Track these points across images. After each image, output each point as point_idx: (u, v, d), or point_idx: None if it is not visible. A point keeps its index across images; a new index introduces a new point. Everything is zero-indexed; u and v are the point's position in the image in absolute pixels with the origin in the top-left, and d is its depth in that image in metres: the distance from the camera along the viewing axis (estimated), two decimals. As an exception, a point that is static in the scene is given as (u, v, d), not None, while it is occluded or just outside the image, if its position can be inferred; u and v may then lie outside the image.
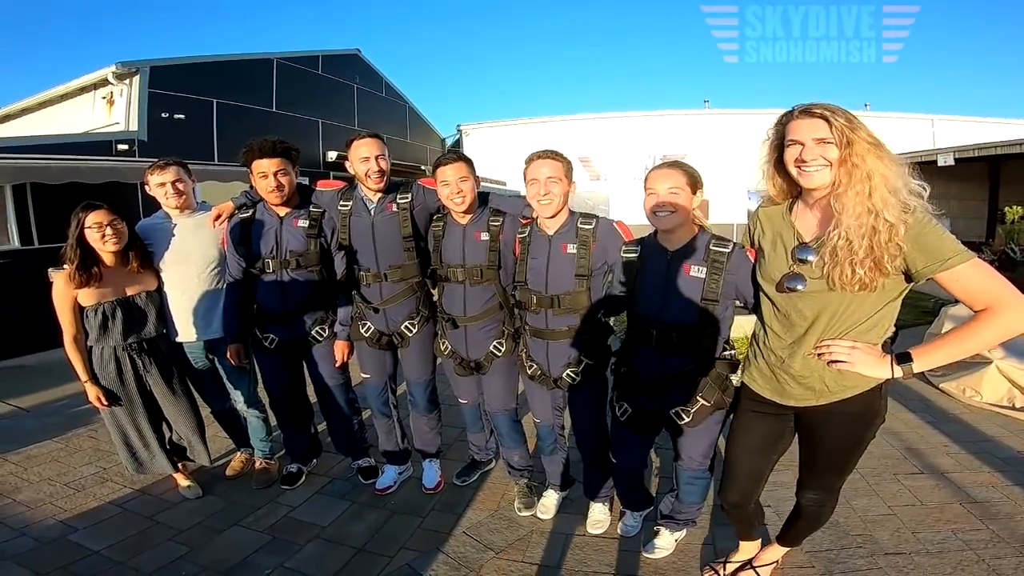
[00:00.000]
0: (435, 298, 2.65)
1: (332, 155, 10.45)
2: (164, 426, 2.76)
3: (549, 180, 2.11)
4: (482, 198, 2.46)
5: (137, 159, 6.87)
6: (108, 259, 2.48)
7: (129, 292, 2.53)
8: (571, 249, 2.17)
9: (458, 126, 16.48)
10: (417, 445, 2.89)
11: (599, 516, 2.53)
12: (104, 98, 7.62)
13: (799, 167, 1.48)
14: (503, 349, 2.47)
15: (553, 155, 2.16)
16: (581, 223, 2.19)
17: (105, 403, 2.52)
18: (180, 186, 2.65)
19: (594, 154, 16.30)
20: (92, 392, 2.49)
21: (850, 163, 1.41)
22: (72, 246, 2.38)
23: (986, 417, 3.63)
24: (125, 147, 6.99)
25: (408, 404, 2.84)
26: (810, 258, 1.52)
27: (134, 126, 7.28)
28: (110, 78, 7.20)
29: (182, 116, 7.79)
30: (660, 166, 1.91)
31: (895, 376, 1.50)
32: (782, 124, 1.53)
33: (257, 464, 3.00)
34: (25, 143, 6.41)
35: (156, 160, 2.68)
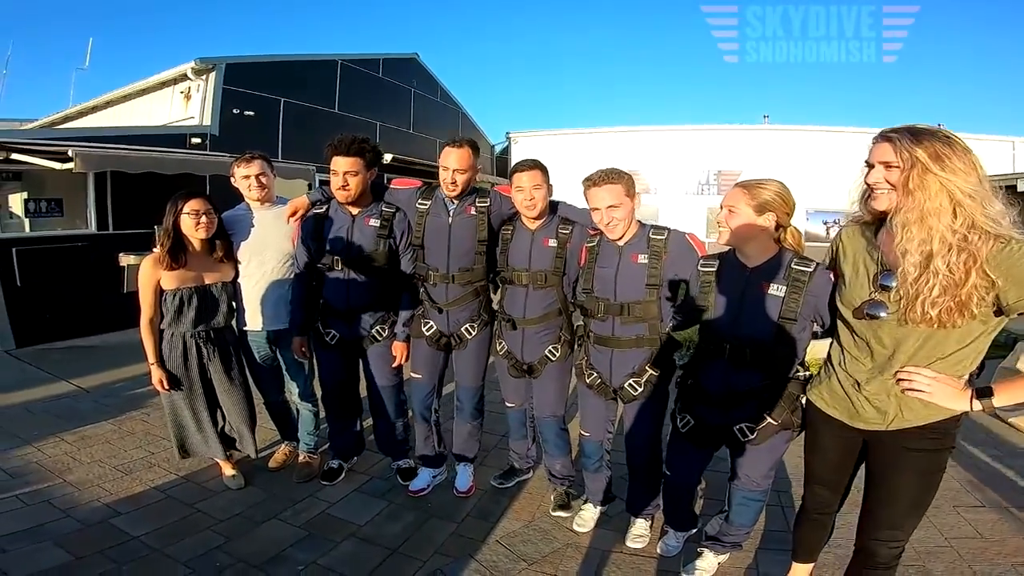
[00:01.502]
0: (495, 301, 2.68)
1: (388, 157, 10.62)
2: (219, 415, 2.82)
3: (610, 208, 2.13)
4: (552, 206, 2.50)
5: (208, 153, 7.17)
6: (196, 246, 2.58)
7: (208, 280, 2.62)
8: (642, 259, 2.18)
9: (507, 133, 16.53)
10: (455, 449, 2.88)
11: (641, 531, 2.47)
12: (182, 93, 8.00)
13: (870, 190, 1.50)
14: (558, 354, 2.50)
15: (610, 178, 2.14)
16: (653, 234, 2.20)
17: (167, 387, 2.59)
18: (263, 179, 2.75)
19: (644, 167, 15.96)
20: (156, 374, 2.57)
21: (910, 187, 1.37)
22: (167, 230, 2.49)
23: None
24: (198, 141, 7.31)
25: (454, 409, 2.84)
26: (893, 284, 1.48)
27: (207, 121, 7.60)
28: (189, 73, 7.55)
29: (251, 113, 8.08)
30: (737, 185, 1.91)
31: (973, 410, 1.47)
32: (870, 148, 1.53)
33: (300, 458, 3.03)
34: (108, 133, 6.78)
35: (242, 153, 2.77)
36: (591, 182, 2.16)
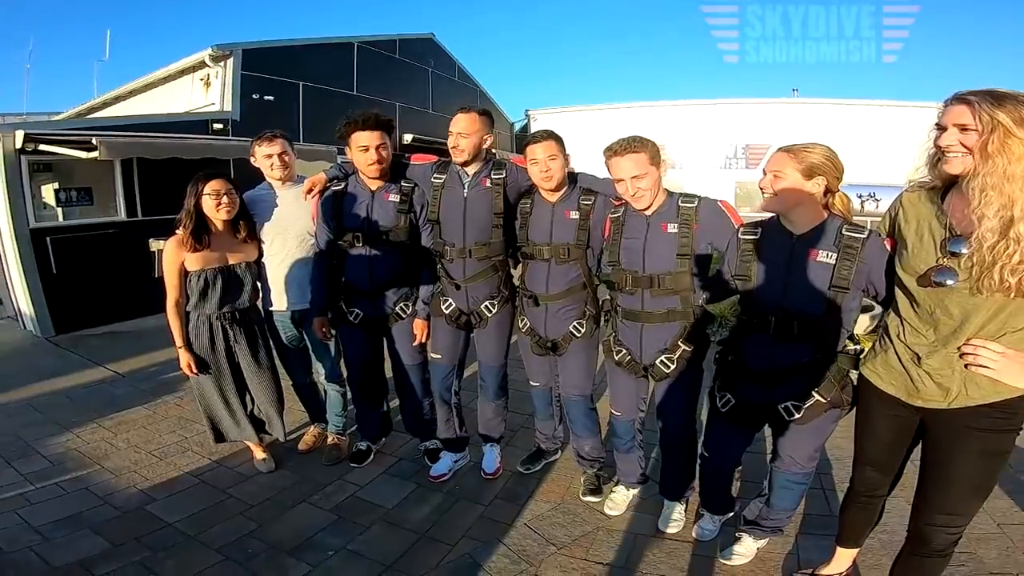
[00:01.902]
0: (516, 277, 2.61)
1: (408, 138, 10.57)
2: (248, 397, 2.84)
3: (635, 179, 2.02)
4: (571, 177, 2.41)
5: (230, 138, 7.21)
6: (219, 226, 2.57)
7: (231, 261, 2.61)
8: (671, 228, 2.09)
9: (526, 111, 16.28)
10: (480, 430, 2.86)
11: (675, 515, 2.41)
12: (202, 80, 8.02)
13: (941, 153, 1.42)
14: (583, 330, 2.42)
15: (633, 146, 2.03)
16: (682, 202, 2.10)
17: (195, 370, 2.60)
18: (286, 158, 2.74)
19: (669, 142, 15.60)
20: (184, 358, 2.58)
21: (989, 150, 1.29)
22: (188, 212, 2.48)
23: None
24: (220, 126, 7.34)
25: (477, 388, 2.81)
26: (964, 251, 1.40)
27: (228, 107, 7.62)
28: (207, 60, 7.55)
29: (271, 98, 8.08)
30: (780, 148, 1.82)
31: None
32: (941, 110, 1.45)
33: (329, 439, 3.05)
34: (132, 121, 6.86)
35: (263, 132, 2.75)
36: (612, 152, 2.06)
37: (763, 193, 1.82)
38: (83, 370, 4.57)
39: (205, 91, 8.02)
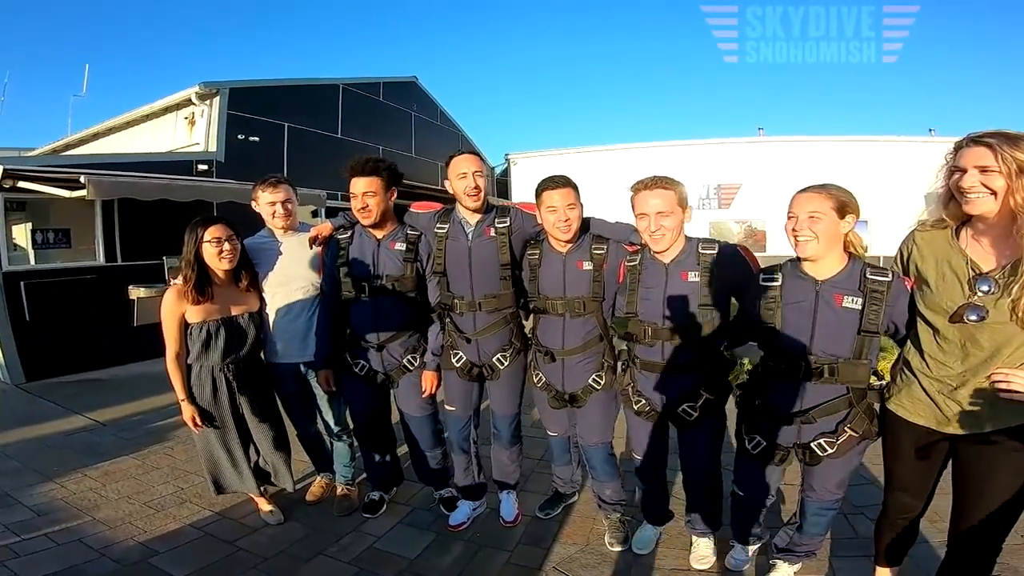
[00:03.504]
0: (527, 328, 2.55)
1: (390, 181, 10.63)
2: (252, 449, 2.72)
3: (659, 215, 2.00)
4: (583, 223, 2.34)
5: (219, 180, 7.13)
6: (220, 276, 2.47)
7: (234, 312, 2.51)
8: (692, 277, 2.05)
9: (506, 155, 16.57)
10: (496, 476, 2.78)
11: (704, 551, 2.37)
12: (186, 118, 7.97)
13: (961, 194, 1.49)
14: (603, 382, 2.36)
15: (663, 183, 2.03)
16: (703, 248, 2.07)
17: (199, 423, 2.48)
18: (289, 206, 2.67)
19: (644, 184, 16.06)
20: (188, 411, 2.46)
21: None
22: (189, 261, 2.37)
23: None
24: (204, 167, 7.27)
25: (491, 436, 2.73)
26: (990, 289, 1.49)
27: (213, 147, 7.57)
28: (193, 98, 7.53)
29: (256, 138, 8.06)
30: (805, 189, 1.83)
31: None
32: (954, 152, 1.54)
33: (338, 490, 2.93)
34: (114, 160, 6.74)
35: (267, 176, 2.68)
36: (642, 185, 2.04)
37: (796, 236, 1.79)
38: (59, 418, 4.37)
39: (189, 130, 7.96)
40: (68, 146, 10.67)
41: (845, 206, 1.74)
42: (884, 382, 1.86)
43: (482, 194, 2.38)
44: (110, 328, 6.07)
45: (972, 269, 1.54)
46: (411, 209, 2.64)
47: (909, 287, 1.71)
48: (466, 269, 2.42)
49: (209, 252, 2.37)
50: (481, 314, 2.44)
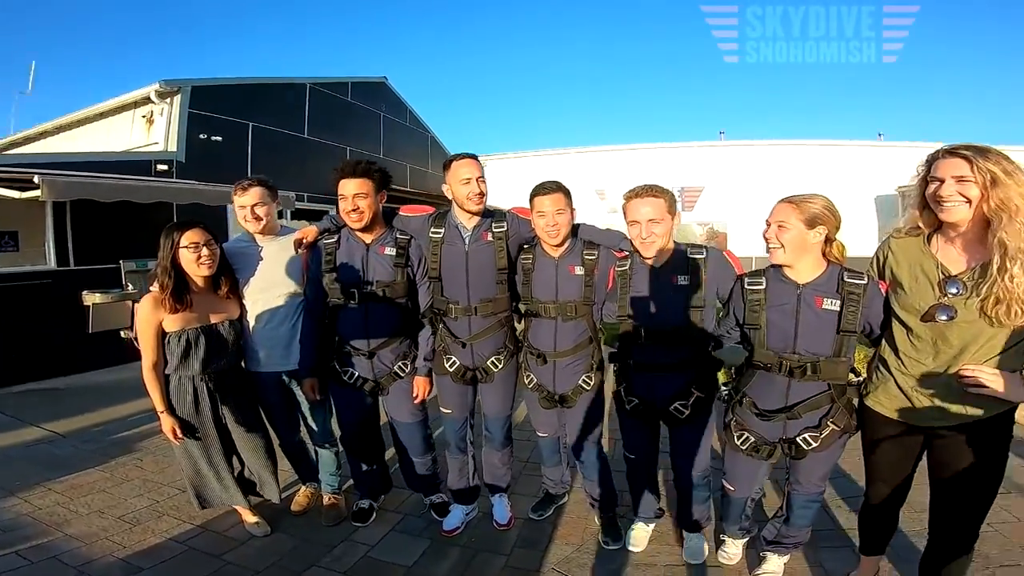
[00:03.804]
0: (519, 331, 2.56)
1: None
2: (235, 460, 2.63)
3: (651, 222, 2.08)
4: (572, 229, 2.38)
5: (182, 180, 6.88)
6: (199, 283, 2.37)
7: (214, 319, 2.41)
8: (681, 281, 2.14)
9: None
10: (487, 480, 2.77)
11: (697, 545, 2.44)
12: (144, 116, 7.65)
13: (937, 203, 1.60)
14: (592, 383, 2.42)
15: (654, 191, 2.12)
16: (691, 254, 2.16)
17: (180, 435, 2.38)
18: (259, 211, 2.54)
19: (610, 187, 16.32)
20: (167, 423, 2.36)
21: (1000, 202, 1.49)
22: (165, 268, 2.27)
23: None
24: (164, 167, 6.99)
25: (483, 439, 2.72)
26: (959, 291, 1.61)
27: (173, 146, 7.29)
28: (153, 96, 7.23)
29: (219, 138, 7.80)
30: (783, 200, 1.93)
31: None
32: (929, 163, 1.65)
33: (325, 500, 2.85)
34: (67, 159, 6.42)
35: (241, 180, 2.56)
36: (633, 194, 2.13)
37: (768, 243, 1.91)
38: (14, 430, 4.13)
39: (147, 129, 7.65)
40: (13, 144, 10.11)
41: (815, 219, 1.83)
42: (862, 378, 1.97)
43: (485, 199, 2.39)
44: (63, 335, 5.77)
45: (942, 272, 1.65)
46: (400, 213, 2.60)
47: (884, 290, 1.83)
48: (463, 274, 2.41)
49: (186, 258, 2.27)
50: (477, 318, 2.43)
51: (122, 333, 6.07)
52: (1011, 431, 1.69)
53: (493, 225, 2.43)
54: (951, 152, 1.57)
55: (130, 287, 6.45)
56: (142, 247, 6.68)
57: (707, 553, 2.42)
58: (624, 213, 2.16)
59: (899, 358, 1.76)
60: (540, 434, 2.65)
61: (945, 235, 1.68)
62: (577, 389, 2.41)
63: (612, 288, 2.31)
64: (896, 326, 1.77)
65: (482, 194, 2.36)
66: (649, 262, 2.18)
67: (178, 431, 2.36)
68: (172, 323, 2.30)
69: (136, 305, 6.42)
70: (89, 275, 6.08)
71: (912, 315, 1.70)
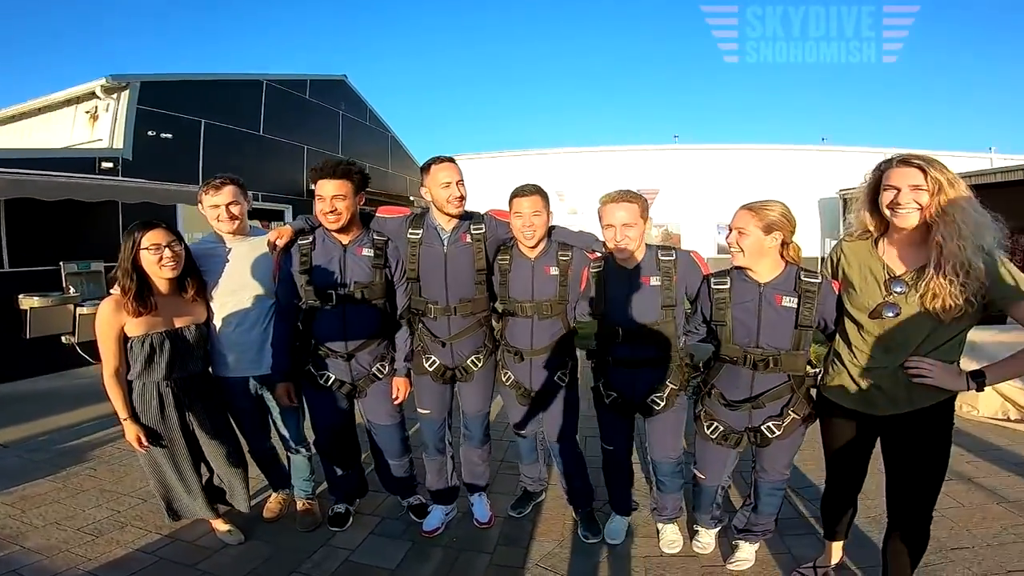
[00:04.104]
0: (496, 331, 2.60)
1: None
2: (203, 467, 2.54)
3: (625, 226, 2.18)
4: (547, 231, 2.45)
5: (124, 178, 6.55)
6: (162, 286, 2.27)
7: (179, 323, 2.32)
8: (654, 281, 2.25)
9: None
10: (466, 479, 2.78)
11: (672, 536, 2.54)
12: (88, 112, 7.24)
13: (893, 209, 1.71)
14: (567, 380, 2.49)
15: (628, 197, 2.21)
16: (662, 256, 2.27)
17: (145, 443, 2.28)
18: (234, 209, 2.47)
19: (569, 188, 16.54)
20: (131, 431, 2.25)
21: (943, 209, 1.62)
22: (126, 270, 2.16)
23: (988, 429, 3.93)
24: (109, 165, 6.64)
25: (461, 437, 2.74)
26: (902, 290, 1.75)
27: (119, 143, 6.93)
28: (98, 92, 6.85)
29: (169, 135, 7.48)
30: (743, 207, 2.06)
31: (970, 389, 1.71)
32: (880, 170, 1.77)
33: (299, 505, 2.79)
34: (9, 155, 6.01)
35: (212, 178, 2.48)
36: (609, 199, 2.22)
37: (730, 248, 2.05)
38: (-52, 441, 3.83)
39: (91, 125, 7.26)
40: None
41: (772, 225, 1.97)
42: (818, 370, 2.11)
43: (465, 202, 2.41)
44: (2, 341, 5.42)
45: (888, 273, 1.80)
46: (378, 214, 2.58)
47: (836, 289, 1.97)
48: (441, 274, 2.43)
49: (148, 260, 2.18)
50: (456, 318, 2.45)
51: (63, 338, 5.79)
52: (952, 418, 1.83)
53: (471, 227, 2.46)
54: (905, 162, 1.70)
55: (71, 290, 6.13)
56: (85, 248, 6.39)
57: (682, 543, 2.51)
58: (599, 217, 2.25)
59: (852, 352, 1.89)
60: (519, 433, 2.68)
61: (891, 238, 1.83)
62: (554, 385, 2.47)
63: (585, 288, 2.40)
64: (848, 323, 1.91)
65: (462, 197, 2.38)
66: (623, 264, 2.27)
67: (143, 439, 2.26)
68: (135, 327, 2.20)
69: (78, 308, 6.11)
70: (26, 277, 5.76)
71: (862, 312, 1.84)
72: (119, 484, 3.14)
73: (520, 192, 2.34)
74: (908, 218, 1.69)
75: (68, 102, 7.47)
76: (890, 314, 1.76)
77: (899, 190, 1.68)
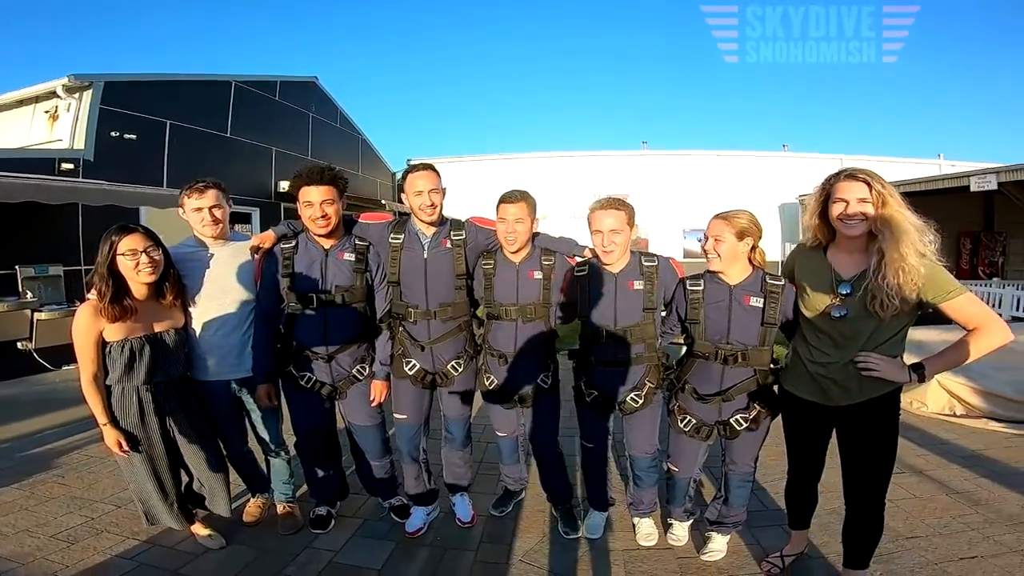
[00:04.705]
0: (478, 335, 2.65)
1: (284, 185, 10.04)
2: (183, 472, 2.53)
3: (612, 232, 2.29)
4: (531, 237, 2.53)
5: (86, 179, 6.36)
6: (139, 291, 2.25)
7: (158, 328, 2.31)
8: (637, 285, 2.36)
9: (408, 160, 16.46)
10: (448, 480, 2.82)
11: (648, 529, 2.65)
12: (47, 112, 7.00)
13: (843, 220, 1.88)
14: (549, 382, 2.57)
15: (616, 204, 2.32)
16: (645, 261, 2.39)
17: (126, 449, 2.26)
18: (218, 212, 2.48)
19: (536, 192, 16.60)
20: (111, 436, 2.23)
21: (885, 219, 1.80)
22: (103, 275, 2.15)
23: (935, 424, 4.19)
24: (70, 166, 6.44)
25: (443, 439, 2.78)
26: (849, 292, 1.92)
27: (80, 144, 6.73)
28: (59, 91, 6.64)
29: (133, 136, 7.29)
30: (717, 216, 2.21)
31: (912, 380, 1.91)
32: (829, 183, 1.95)
33: (280, 509, 2.80)
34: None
35: (194, 182, 2.47)
36: (598, 206, 2.32)
37: (707, 254, 2.21)
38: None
39: (50, 125, 7.04)
40: None
41: (744, 232, 2.14)
42: (780, 365, 2.27)
43: (437, 210, 2.46)
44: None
45: (836, 277, 1.97)
46: (361, 220, 2.62)
47: (795, 290, 2.14)
48: (421, 279, 2.48)
49: (125, 265, 2.16)
50: (436, 322, 2.50)
51: (19, 344, 5.59)
52: (898, 408, 2.01)
53: (452, 233, 2.52)
54: (852, 176, 1.87)
55: (28, 295, 5.93)
56: (43, 251, 6.18)
57: (658, 536, 2.62)
58: (588, 223, 2.36)
59: (808, 348, 2.06)
60: (500, 434, 2.73)
61: (838, 246, 2.01)
62: (537, 388, 2.54)
63: (567, 291, 2.48)
64: (803, 323, 2.09)
65: (433, 205, 2.43)
66: (609, 268, 2.37)
67: (124, 444, 2.24)
68: (114, 332, 2.19)
69: (36, 314, 5.92)
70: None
71: (814, 313, 2.01)
72: (90, 491, 3.09)
73: (508, 198, 2.41)
74: (857, 228, 1.86)
75: (25, 101, 7.22)
76: (838, 315, 1.93)
77: (847, 202, 1.86)
